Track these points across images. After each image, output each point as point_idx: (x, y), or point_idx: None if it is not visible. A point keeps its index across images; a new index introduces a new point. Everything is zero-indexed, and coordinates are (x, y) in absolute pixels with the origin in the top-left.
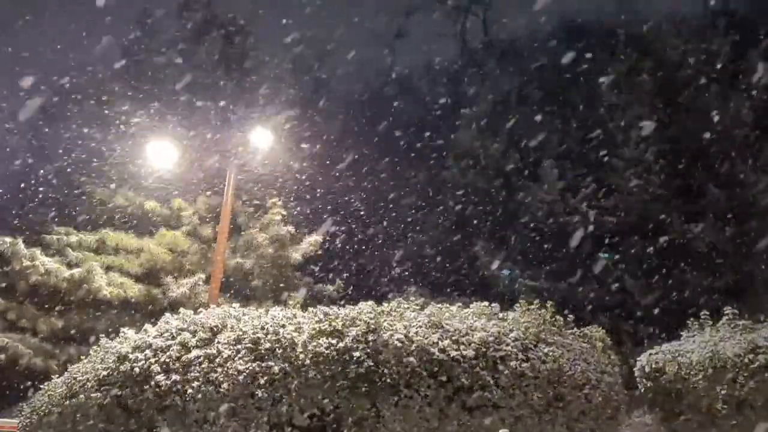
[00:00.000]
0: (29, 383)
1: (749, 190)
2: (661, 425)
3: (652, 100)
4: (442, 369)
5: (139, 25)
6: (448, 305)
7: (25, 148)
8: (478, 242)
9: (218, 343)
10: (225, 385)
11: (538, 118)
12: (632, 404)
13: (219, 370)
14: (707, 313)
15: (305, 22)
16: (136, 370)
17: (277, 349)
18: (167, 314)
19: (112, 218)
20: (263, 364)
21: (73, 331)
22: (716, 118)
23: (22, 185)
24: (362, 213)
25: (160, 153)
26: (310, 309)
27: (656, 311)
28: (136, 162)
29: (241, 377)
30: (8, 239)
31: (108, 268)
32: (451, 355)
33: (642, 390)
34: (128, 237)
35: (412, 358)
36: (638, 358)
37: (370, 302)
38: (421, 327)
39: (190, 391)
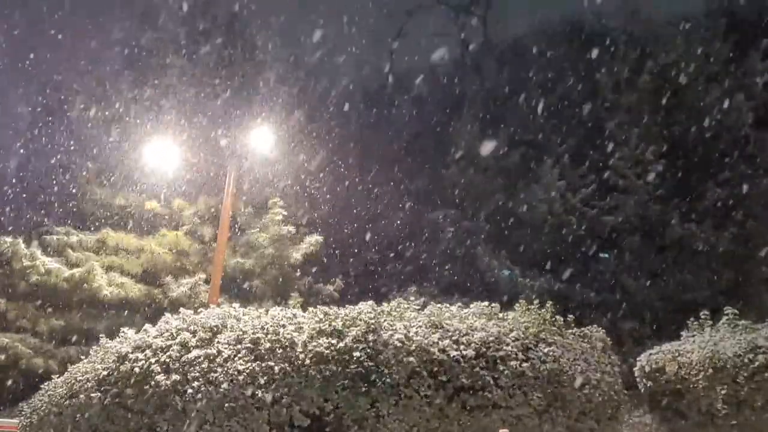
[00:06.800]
0: (29, 383)
1: (749, 190)
2: (661, 425)
3: (652, 100)
4: (442, 369)
5: (140, 25)
6: (448, 305)
7: (26, 148)
8: (479, 242)
9: (218, 343)
10: (225, 385)
11: (539, 118)
12: (632, 404)
13: (219, 370)
14: (707, 313)
15: (305, 22)
16: (136, 370)
17: (277, 349)
18: (167, 314)
19: (112, 218)
20: (263, 364)
21: (73, 331)
22: (716, 118)
23: (22, 185)
24: (362, 212)
25: (161, 153)
26: (310, 309)
27: (656, 311)
28: (136, 162)
29: (241, 377)
30: (8, 239)
31: (108, 268)
32: (451, 355)
33: (642, 390)
34: (128, 237)
35: (412, 358)
36: (638, 358)
37: (370, 302)
38: (421, 327)
39: (190, 391)
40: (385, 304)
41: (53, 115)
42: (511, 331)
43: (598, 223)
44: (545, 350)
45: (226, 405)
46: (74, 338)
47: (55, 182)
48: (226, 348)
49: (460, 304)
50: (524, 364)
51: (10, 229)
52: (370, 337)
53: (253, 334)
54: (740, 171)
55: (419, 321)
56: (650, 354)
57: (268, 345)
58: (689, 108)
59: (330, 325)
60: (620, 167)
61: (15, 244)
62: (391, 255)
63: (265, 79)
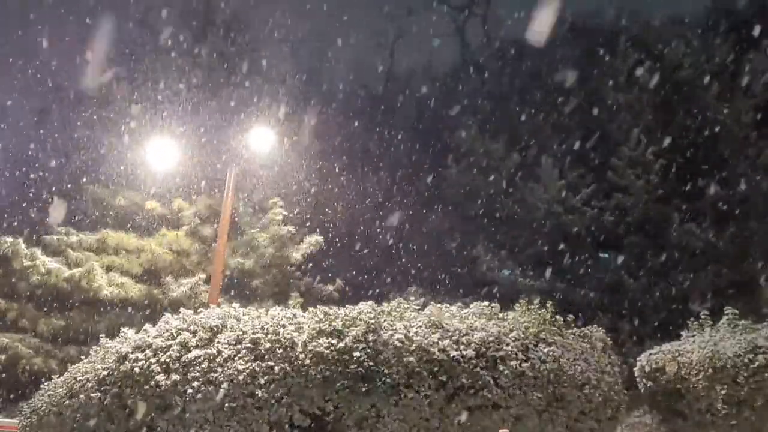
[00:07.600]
0: (29, 383)
1: (749, 190)
2: (661, 425)
3: (652, 99)
4: (442, 369)
5: (139, 25)
6: (448, 305)
7: (26, 148)
8: (479, 242)
9: (218, 343)
10: (225, 385)
11: (539, 117)
12: (632, 404)
13: (219, 370)
14: (707, 313)
15: (305, 22)
16: (136, 370)
17: (277, 349)
18: (167, 314)
19: (112, 218)
20: (263, 364)
21: (73, 331)
22: (716, 118)
23: (23, 185)
24: (362, 212)
25: (161, 153)
26: (310, 309)
27: (656, 311)
28: (136, 162)
29: (241, 377)
30: (8, 239)
31: (108, 268)
32: (451, 355)
33: (642, 390)
34: (128, 237)
35: (412, 358)
36: (638, 358)
37: (370, 302)
38: (421, 327)
39: (190, 391)
40: (385, 304)
41: (53, 115)
42: (511, 331)
43: (598, 223)
44: (545, 350)
45: (226, 405)
46: (74, 338)
47: (55, 182)
48: (226, 348)
49: (460, 304)
50: (524, 364)
51: (10, 228)
52: (370, 337)
53: (253, 334)
54: (740, 171)
55: (419, 321)
56: (650, 354)
57: (268, 345)
58: (689, 108)
59: (330, 325)
60: (620, 167)
61: (15, 244)
62: (391, 255)
63: (265, 79)
